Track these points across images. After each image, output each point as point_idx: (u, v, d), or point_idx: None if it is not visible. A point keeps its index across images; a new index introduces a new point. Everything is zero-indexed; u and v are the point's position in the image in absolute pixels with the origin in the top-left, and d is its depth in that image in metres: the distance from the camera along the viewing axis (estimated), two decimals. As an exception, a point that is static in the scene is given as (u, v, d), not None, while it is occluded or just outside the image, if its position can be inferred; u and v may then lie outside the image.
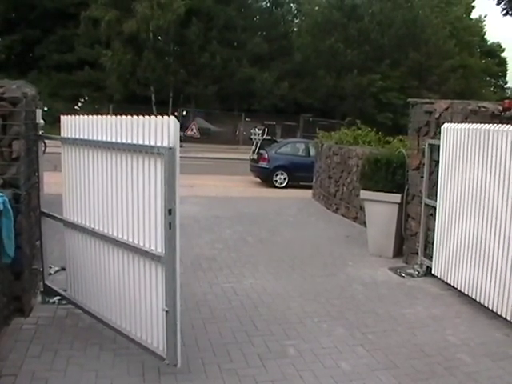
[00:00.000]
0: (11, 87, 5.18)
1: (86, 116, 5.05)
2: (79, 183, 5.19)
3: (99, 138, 4.78)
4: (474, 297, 6.25)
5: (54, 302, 5.74)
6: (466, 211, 6.37)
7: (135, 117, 4.39)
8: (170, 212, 4.05)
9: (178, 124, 4.09)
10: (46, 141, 5.77)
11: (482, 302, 6.11)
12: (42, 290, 5.86)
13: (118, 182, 4.61)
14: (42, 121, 5.75)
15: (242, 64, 41.77)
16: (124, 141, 4.46)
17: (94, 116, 4.93)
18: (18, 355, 4.54)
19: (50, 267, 6.32)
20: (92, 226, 5.00)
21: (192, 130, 38.67)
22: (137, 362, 4.57)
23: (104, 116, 4.80)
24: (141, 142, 4.28)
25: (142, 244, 4.38)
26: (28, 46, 42.37)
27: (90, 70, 40.51)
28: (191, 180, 18.13)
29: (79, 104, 39.49)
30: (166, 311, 4.19)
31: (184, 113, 40.35)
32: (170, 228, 4.07)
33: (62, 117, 5.36)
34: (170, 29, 38.73)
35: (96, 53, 39.57)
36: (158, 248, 4.21)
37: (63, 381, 4.20)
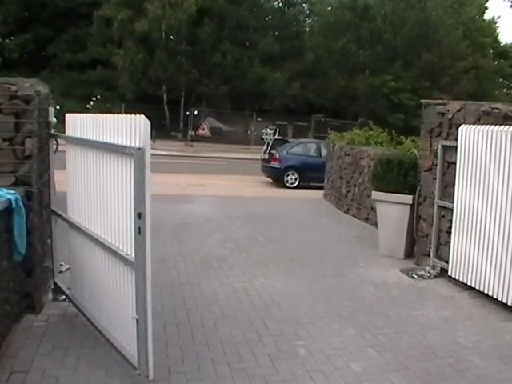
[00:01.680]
0: (24, 85, 5.20)
1: (80, 114, 5.10)
2: (77, 182, 5.23)
3: (86, 137, 4.81)
4: (495, 296, 6.22)
5: (64, 300, 5.75)
6: (490, 212, 6.32)
7: (109, 115, 4.37)
8: (139, 216, 3.90)
9: (149, 123, 3.94)
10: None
11: (505, 302, 6.08)
12: (52, 287, 5.88)
13: (102, 181, 4.59)
14: (54, 119, 5.77)
15: (253, 64, 41.76)
16: (104, 140, 4.44)
17: (84, 114, 5.00)
18: (29, 352, 4.56)
19: (61, 265, 6.35)
20: (86, 226, 5.00)
21: (203, 129, 38.68)
22: (147, 360, 4.58)
23: (90, 114, 4.85)
24: (117, 142, 4.21)
25: (121, 248, 4.29)
26: (40, 45, 42.57)
27: (103, 69, 40.65)
28: (202, 179, 18.20)
29: (91, 103, 39.61)
30: (137, 319, 4.05)
31: (195, 112, 40.39)
32: (139, 233, 3.94)
33: (66, 115, 5.39)
34: (182, 28, 38.79)
35: (108, 52, 39.71)
36: (133, 253, 4.08)
37: (74, 378, 4.21)
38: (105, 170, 4.51)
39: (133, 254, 4.05)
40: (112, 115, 4.36)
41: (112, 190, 4.40)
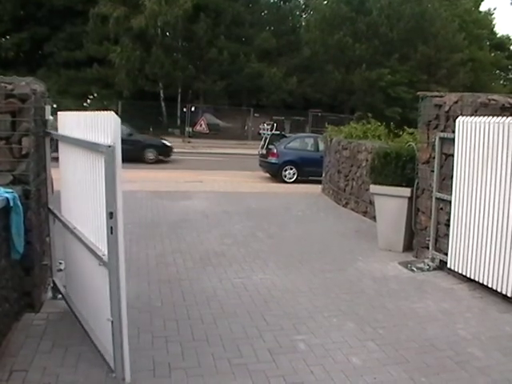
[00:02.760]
0: (20, 84, 5.19)
1: (67, 112, 5.14)
2: (66, 180, 5.25)
3: (72, 135, 4.80)
4: (495, 288, 6.22)
5: (63, 298, 5.74)
6: (488, 203, 6.32)
7: (86, 112, 4.36)
8: (111, 215, 3.81)
9: (119, 120, 3.84)
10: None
11: (504, 293, 6.08)
12: (52, 285, 5.88)
13: (84, 179, 4.56)
14: (51, 117, 5.77)
15: (250, 59, 41.63)
16: (84, 137, 4.41)
17: (70, 112, 5.06)
18: (29, 351, 4.56)
19: (60, 263, 6.34)
20: (74, 225, 4.97)
21: (201, 125, 38.67)
22: (147, 357, 4.58)
23: (75, 112, 4.90)
24: (94, 140, 4.15)
25: (100, 247, 4.22)
26: (37, 44, 42.42)
27: (99, 67, 40.52)
28: (200, 175, 18.18)
29: (88, 101, 39.56)
30: (112, 321, 3.98)
31: (193, 108, 40.35)
32: (111, 233, 3.84)
33: (58, 113, 5.41)
34: (178, 24, 38.67)
35: (105, 49, 39.59)
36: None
37: (74, 377, 4.21)
38: (84, 167, 4.49)
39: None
40: (88, 113, 4.33)
41: (91, 188, 4.37)
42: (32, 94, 5.20)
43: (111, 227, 3.83)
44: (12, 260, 4.87)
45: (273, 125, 22.53)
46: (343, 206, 12.69)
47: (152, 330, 5.18)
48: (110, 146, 3.77)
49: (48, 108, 5.78)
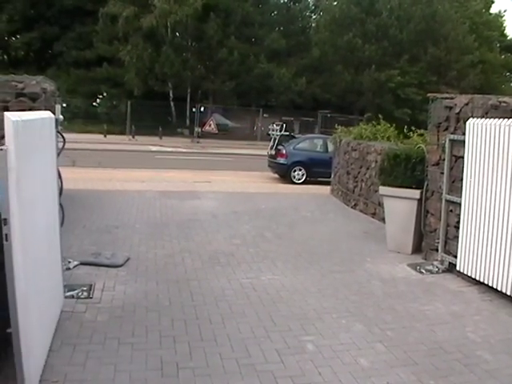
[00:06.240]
0: (31, 83, 5.22)
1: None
2: None
3: None
4: (504, 291, 6.17)
5: (72, 297, 5.76)
6: (498, 206, 6.27)
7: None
8: (5, 222, 3.50)
9: (12, 122, 3.56)
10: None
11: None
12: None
13: None
14: (61, 116, 5.78)
15: (259, 60, 41.70)
16: None
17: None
18: (38, 349, 4.56)
19: (69, 261, 6.36)
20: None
21: (210, 125, 38.73)
22: (155, 356, 4.58)
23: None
24: None
25: None
26: (46, 43, 42.68)
27: (109, 67, 40.71)
28: (209, 176, 18.19)
29: (97, 100, 39.75)
30: (10, 333, 3.63)
31: (202, 108, 40.41)
32: (6, 240, 3.51)
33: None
34: (188, 24, 38.77)
35: (114, 49, 39.76)
36: None
37: (82, 375, 4.21)
38: None
39: None
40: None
41: None
42: (42, 93, 5.23)
43: (6, 234, 3.55)
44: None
45: (282, 125, 22.44)
46: (352, 207, 12.66)
47: (160, 329, 5.18)
48: (1, 150, 3.49)
49: (58, 107, 5.80)
